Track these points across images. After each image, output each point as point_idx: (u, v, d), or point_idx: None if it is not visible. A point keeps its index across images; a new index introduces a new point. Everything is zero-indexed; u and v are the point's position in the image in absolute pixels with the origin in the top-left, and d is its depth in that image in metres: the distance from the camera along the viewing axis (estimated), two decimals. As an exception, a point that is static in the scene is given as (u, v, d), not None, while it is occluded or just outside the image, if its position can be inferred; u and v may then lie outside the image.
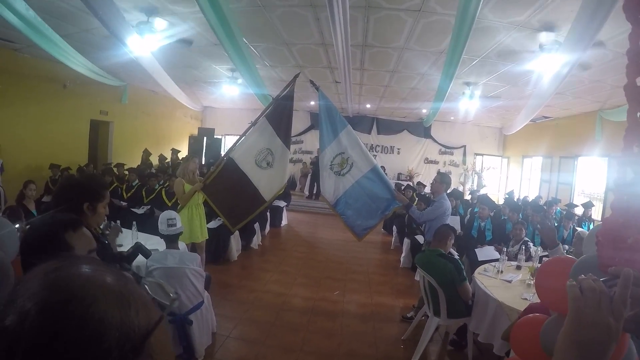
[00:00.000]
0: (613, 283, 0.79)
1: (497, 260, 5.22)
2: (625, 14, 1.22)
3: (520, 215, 8.40)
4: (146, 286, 1.04)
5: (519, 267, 4.90)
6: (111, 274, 0.58)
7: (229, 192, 4.64)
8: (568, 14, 4.70)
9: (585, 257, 2.03)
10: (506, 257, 4.99)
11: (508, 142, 16.35)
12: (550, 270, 1.89)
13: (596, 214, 9.54)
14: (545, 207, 8.69)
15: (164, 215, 3.93)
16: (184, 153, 14.22)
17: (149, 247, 4.42)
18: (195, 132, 15.47)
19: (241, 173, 4.62)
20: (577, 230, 7.13)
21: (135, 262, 4.03)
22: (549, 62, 5.75)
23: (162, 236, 3.91)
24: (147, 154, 12.25)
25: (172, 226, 3.88)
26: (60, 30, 6.26)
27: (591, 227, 8.32)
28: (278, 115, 4.76)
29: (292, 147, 16.27)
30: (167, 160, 12.64)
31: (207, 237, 5.58)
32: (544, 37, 5.47)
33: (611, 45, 5.46)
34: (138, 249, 2.59)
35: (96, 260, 0.62)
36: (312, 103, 14.21)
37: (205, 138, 14.12)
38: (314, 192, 14.15)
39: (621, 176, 1.78)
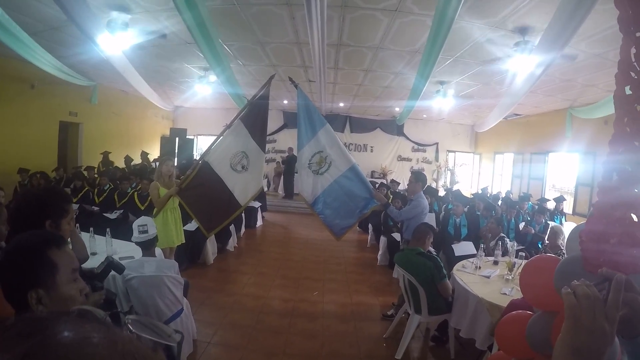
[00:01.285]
0: (603, 286, 0.81)
1: (474, 255, 5.30)
2: (619, 25, 1.25)
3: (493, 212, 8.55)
4: (130, 326, 0.97)
5: (496, 263, 4.96)
6: (99, 333, 0.49)
7: (204, 196, 4.55)
8: (543, 16, 4.80)
9: (570, 257, 2.06)
10: (483, 253, 5.05)
11: (480, 139, 16.66)
12: (534, 269, 1.91)
13: (567, 207, 9.81)
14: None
15: (136, 222, 3.79)
16: (156, 154, 13.96)
17: (124, 254, 4.36)
18: (167, 133, 15.22)
19: (217, 177, 4.54)
20: (549, 224, 7.29)
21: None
22: (523, 62, 5.84)
23: (136, 243, 3.79)
24: (106, 155, 11.88)
25: (143, 233, 3.74)
26: (28, 28, 6.07)
27: (563, 220, 8.54)
28: (253, 117, 4.69)
29: (266, 146, 16.13)
30: (133, 162, 12.32)
31: (184, 241, 5.43)
32: (519, 38, 5.57)
33: (582, 46, 5.60)
34: (109, 265, 2.44)
35: (78, 317, 0.53)
36: (285, 102, 14.16)
37: (177, 139, 13.89)
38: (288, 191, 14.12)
39: (606, 179, 1.82)
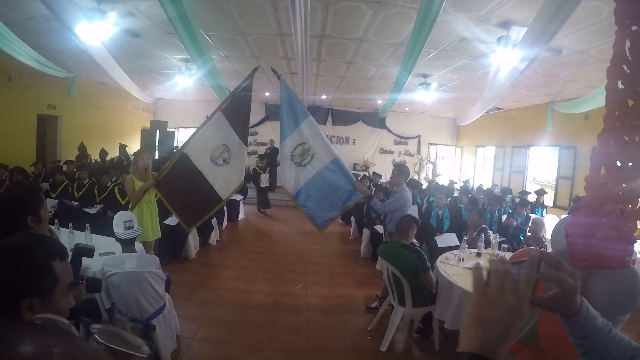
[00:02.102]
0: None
1: (457, 247, 5.34)
2: (615, 17, 1.24)
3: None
4: (97, 337, 0.93)
5: (479, 254, 5.01)
6: (61, 347, 0.47)
7: (183, 190, 4.47)
8: (527, 11, 4.82)
9: (556, 251, 2.08)
10: (467, 245, 5.09)
11: (462, 132, 16.81)
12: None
13: (548, 200, 10.00)
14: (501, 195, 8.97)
15: (119, 217, 3.65)
16: (136, 147, 13.72)
17: (104, 250, 4.28)
18: (148, 125, 14.97)
19: (196, 170, 4.46)
20: (530, 216, 7.38)
21: (92, 268, 3.87)
22: (507, 57, 5.86)
23: (118, 239, 3.69)
24: (83, 147, 11.63)
25: (129, 229, 3.66)
26: (4, 17, 5.90)
27: (544, 213, 8.66)
28: (235, 110, 4.62)
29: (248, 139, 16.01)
30: (108, 156, 12.10)
31: (160, 236, 5.33)
32: (502, 32, 5.58)
33: (566, 42, 5.65)
34: (78, 253, 2.36)
35: (41, 329, 0.50)
36: (267, 94, 14.05)
37: (158, 131, 13.72)
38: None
39: (594, 173, 1.83)
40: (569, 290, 0.90)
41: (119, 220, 3.64)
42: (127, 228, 3.61)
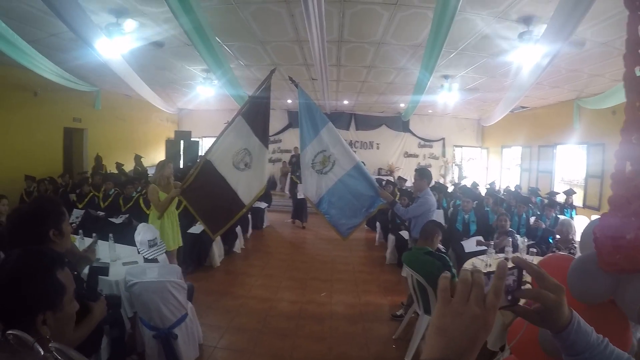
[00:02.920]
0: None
1: (484, 252, 5.19)
2: (623, 0, 1.15)
3: (504, 205, 8.43)
4: (55, 354, 0.92)
5: (507, 260, 4.85)
6: None
7: (207, 196, 4.45)
8: (547, 5, 4.68)
9: (584, 255, 1.96)
10: (494, 250, 4.94)
11: (486, 133, 16.48)
12: (548, 267, 1.81)
13: (577, 200, 9.67)
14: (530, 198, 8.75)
15: (142, 236, 3.66)
16: (161, 157, 13.91)
17: (127, 259, 4.34)
18: (172, 136, 15.18)
19: (219, 176, 4.44)
20: (559, 218, 7.15)
21: (114, 277, 3.91)
22: (529, 53, 5.72)
23: (148, 259, 3.70)
24: (98, 159, 11.84)
25: (154, 246, 3.69)
26: (27, 35, 6.05)
27: (574, 214, 8.39)
28: (254, 113, 4.57)
29: (271, 146, 16.10)
30: (124, 167, 12.19)
31: (181, 245, 5.38)
32: (523, 28, 5.44)
33: (588, 35, 5.47)
34: (93, 273, 2.36)
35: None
36: (290, 101, 14.08)
37: (182, 141, 13.87)
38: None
39: (620, 170, 1.72)
40: (551, 305, 0.89)
41: (142, 240, 3.65)
42: (151, 246, 3.63)
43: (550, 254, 2.14)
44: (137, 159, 12.78)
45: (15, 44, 5.86)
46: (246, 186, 4.57)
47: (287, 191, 13.88)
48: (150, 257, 3.66)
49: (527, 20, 5.23)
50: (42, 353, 0.89)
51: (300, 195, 10.54)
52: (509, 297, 0.87)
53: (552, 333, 0.95)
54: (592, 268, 1.71)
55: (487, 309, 0.74)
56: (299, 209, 11.18)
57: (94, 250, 2.68)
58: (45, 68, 7.18)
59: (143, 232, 3.70)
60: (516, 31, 5.59)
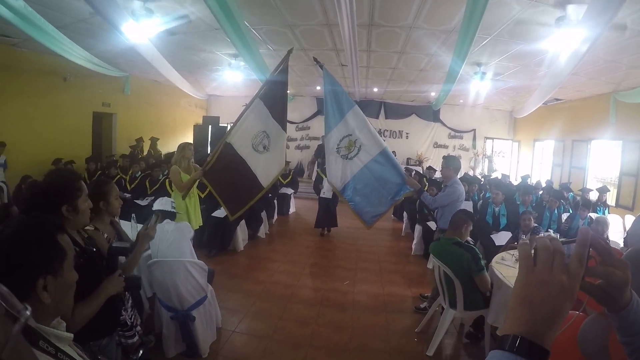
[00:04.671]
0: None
1: (514, 247, 4.98)
2: None
3: (534, 198, 8.16)
4: None
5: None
6: None
7: (228, 178, 4.40)
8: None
9: (633, 249, 1.80)
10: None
11: (519, 125, 15.96)
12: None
13: (611, 199, 9.28)
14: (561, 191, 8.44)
15: (166, 200, 4.19)
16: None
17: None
18: (200, 121, 15.26)
19: (239, 159, 4.38)
20: (591, 217, 6.82)
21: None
22: (566, 39, 5.42)
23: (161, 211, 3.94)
24: (140, 142, 12.13)
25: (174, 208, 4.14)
26: (55, 21, 6.09)
27: (606, 212, 8.04)
28: (272, 96, 4.48)
29: (299, 133, 16.07)
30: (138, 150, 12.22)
31: (201, 224, 5.46)
32: (561, 13, 5.15)
33: (629, 22, 5.14)
34: (113, 253, 2.33)
35: None
36: (318, 88, 13.89)
37: (210, 126, 13.92)
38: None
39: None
40: (617, 283, 0.85)
41: (167, 202, 4.14)
42: (173, 207, 4.13)
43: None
44: (154, 141, 12.90)
45: (44, 30, 5.91)
46: (264, 168, 4.49)
47: (312, 178, 13.46)
48: (161, 210, 3.94)
49: (563, 3, 4.93)
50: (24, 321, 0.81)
51: (324, 194, 8.74)
52: None
53: (612, 312, 0.90)
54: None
55: (571, 278, 0.70)
56: (326, 212, 8.92)
57: (154, 226, 2.68)
58: (74, 53, 7.24)
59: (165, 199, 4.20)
60: (553, 16, 5.29)
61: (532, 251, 0.75)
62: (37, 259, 1.11)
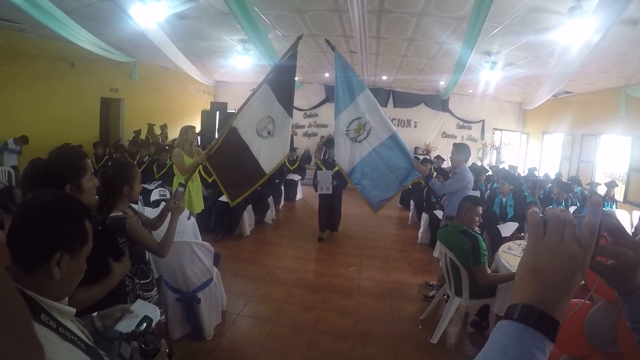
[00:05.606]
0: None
1: (521, 237, 4.96)
2: None
3: (543, 191, 8.10)
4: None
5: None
6: None
7: (231, 163, 4.41)
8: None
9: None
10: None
11: (528, 117, 15.79)
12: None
13: (618, 194, 9.20)
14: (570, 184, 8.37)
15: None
16: (197, 128, 14.03)
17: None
18: (208, 107, 15.25)
19: (243, 144, 4.38)
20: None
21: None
22: (578, 29, 5.33)
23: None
24: (151, 128, 12.22)
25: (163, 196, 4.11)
26: (63, 5, 6.04)
27: (614, 207, 7.96)
28: (279, 81, 4.46)
29: (307, 120, 16.00)
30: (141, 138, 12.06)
31: (203, 208, 5.43)
32: (574, 2, 5.05)
33: (640, 16, 5.06)
34: (110, 228, 2.25)
35: None
36: (327, 75, 13.80)
37: (217, 113, 13.91)
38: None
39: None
40: (629, 264, 0.81)
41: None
42: (161, 196, 4.34)
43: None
44: (150, 127, 12.90)
45: (53, 14, 5.87)
46: (268, 154, 4.50)
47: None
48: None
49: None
50: None
51: (322, 190, 7.37)
52: None
53: (622, 295, 0.87)
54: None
55: (583, 248, 0.68)
56: (329, 212, 7.73)
57: (183, 198, 2.73)
58: (82, 38, 7.22)
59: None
60: (566, 5, 5.20)
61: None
62: (61, 232, 1.12)
